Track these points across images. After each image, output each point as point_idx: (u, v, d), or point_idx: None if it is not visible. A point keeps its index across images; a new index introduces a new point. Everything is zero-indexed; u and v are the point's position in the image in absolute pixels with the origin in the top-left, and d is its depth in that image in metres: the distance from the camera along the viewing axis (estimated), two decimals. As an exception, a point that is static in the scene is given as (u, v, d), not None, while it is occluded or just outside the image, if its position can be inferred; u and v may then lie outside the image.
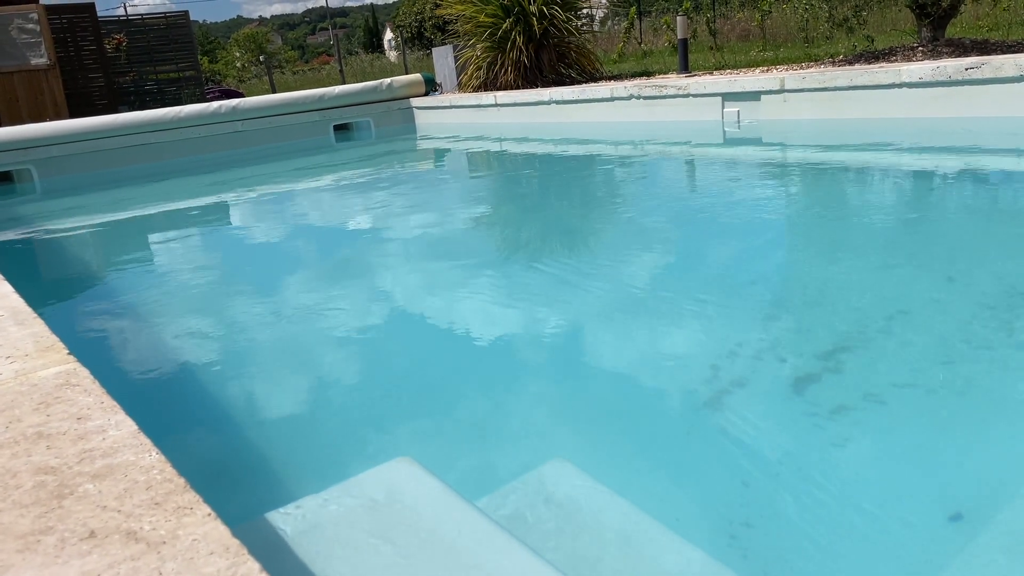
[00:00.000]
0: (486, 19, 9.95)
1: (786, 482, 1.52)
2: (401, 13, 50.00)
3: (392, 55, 35.44)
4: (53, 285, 3.84)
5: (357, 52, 43.56)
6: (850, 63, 6.93)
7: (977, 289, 2.44)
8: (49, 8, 13.58)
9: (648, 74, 9.54)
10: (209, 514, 0.83)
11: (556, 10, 9.62)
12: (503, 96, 9.02)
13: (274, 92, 16.14)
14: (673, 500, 1.52)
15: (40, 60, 12.74)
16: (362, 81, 14.45)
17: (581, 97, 7.97)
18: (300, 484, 1.65)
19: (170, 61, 15.95)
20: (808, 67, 7.14)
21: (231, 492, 1.64)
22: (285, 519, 1.27)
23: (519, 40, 9.72)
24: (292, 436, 1.92)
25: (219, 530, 0.81)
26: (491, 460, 1.73)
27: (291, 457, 1.81)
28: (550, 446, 1.76)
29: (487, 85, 10.19)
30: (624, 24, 16.36)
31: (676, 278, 3.02)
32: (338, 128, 9.94)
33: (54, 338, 1.48)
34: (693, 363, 2.13)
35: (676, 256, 3.34)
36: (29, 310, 1.69)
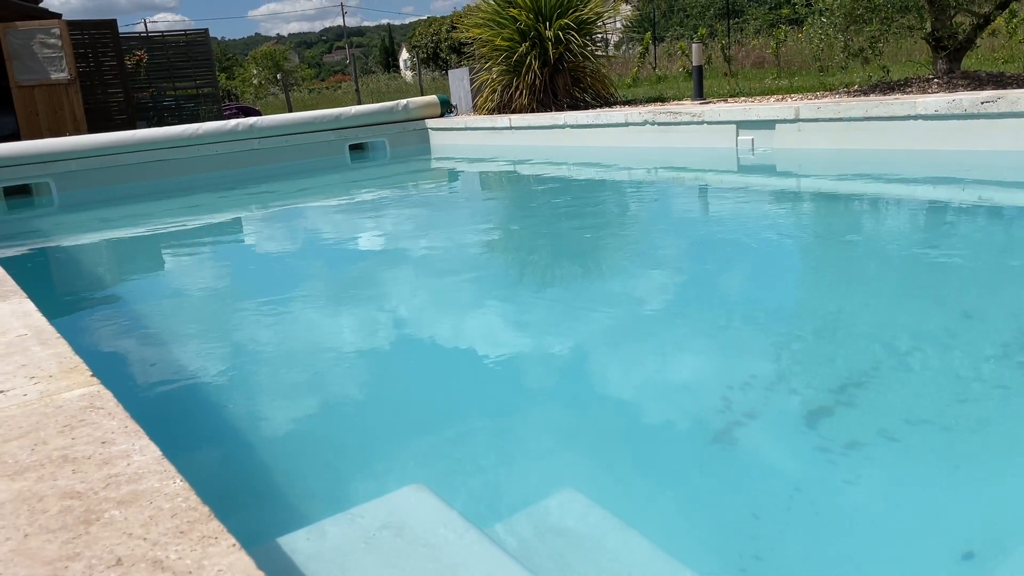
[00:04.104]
0: (502, 43, 10.04)
1: (797, 516, 1.52)
2: (417, 34, 50.46)
3: (408, 75, 35.70)
4: (73, 302, 3.88)
5: (374, 71, 43.90)
6: (865, 93, 6.95)
7: (992, 326, 2.43)
8: (71, 23, 13.76)
9: (662, 99, 9.59)
10: (234, 545, 0.84)
11: (572, 35, 9.70)
12: (518, 119, 9.07)
13: (290, 109, 16.29)
14: (684, 532, 1.52)
15: (61, 75, 12.89)
16: (378, 100, 14.58)
17: (596, 122, 8.01)
18: (317, 508, 1.66)
19: (189, 78, 16.12)
20: (823, 96, 7.17)
21: (248, 515, 1.65)
22: (297, 544, 1.28)
23: (535, 64, 9.80)
24: (314, 460, 1.93)
25: (244, 561, 0.82)
26: (502, 488, 1.73)
27: (309, 481, 1.82)
28: (561, 475, 1.77)
29: (502, 108, 10.26)
30: (639, 49, 16.47)
31: (688, 307, 3.03)
32: (353, 147, 10.02)
33: (77, 359, 1.50)
34: (704, 393, 2.13)
35: (689, 285, 3.35)
36: (52, 329, 1.71)
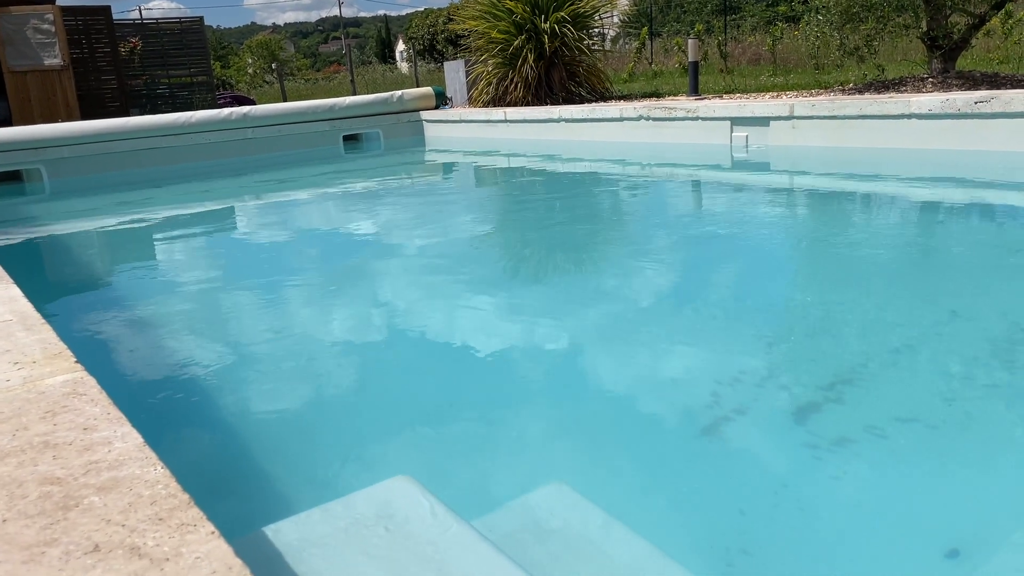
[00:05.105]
0: (498, 35, 10.01)
1: (785, 511, 1.52)
2: (414, 25, 50.30)
3: (404, 67, 35.60)
4: (60, 289, 3.86)
5: (370, 62, 43.79)
6: (860, 92, 6.96)
7: (980, 324, 2.44)
8: (65, 9, 13.66)
9: (658, 95, 9.58)
10: (212, 532, 0.84)
11: (568, 29, 9.69)
12: (513, 112, 9.06)
13: (285, 99, 16.22)
14: (671, 527, 1.52)
15: (54, 61, 12.81)
16: (373, 91, 14.53)
17: (590, 116, 8.00)
18: (300, 498, 1.66)
19: (183, 66, 16.02)
20: (818, 94, 7.17)
21: (230, 503, 1.64)
22: (282, 534, 1.27)
23: (530, 57, 9.78)
24: (296, 450, 1.93)
25: (222, 549, 0.81)
26: (489, 481, 1.73)
27: (293, 471, 1.82)
28: (549, 469, 1.77)
29: (497, 101, 10.24)
30: (635, 44, 16.45)
31: (678, 302, 3.03)
32: (347, 138, 9.98)
33: (62, 345, 1.48)
34: (693, 390, 2.13)
35: (679, 280, 3.35)
36: (37, 315, 1.70)
